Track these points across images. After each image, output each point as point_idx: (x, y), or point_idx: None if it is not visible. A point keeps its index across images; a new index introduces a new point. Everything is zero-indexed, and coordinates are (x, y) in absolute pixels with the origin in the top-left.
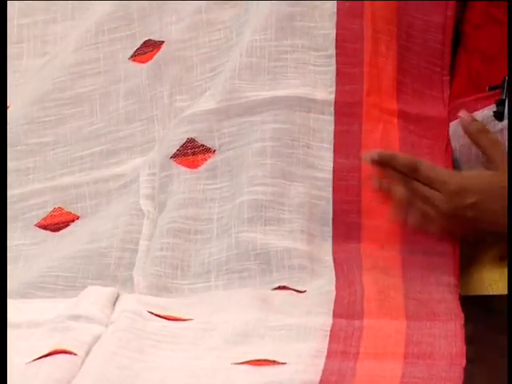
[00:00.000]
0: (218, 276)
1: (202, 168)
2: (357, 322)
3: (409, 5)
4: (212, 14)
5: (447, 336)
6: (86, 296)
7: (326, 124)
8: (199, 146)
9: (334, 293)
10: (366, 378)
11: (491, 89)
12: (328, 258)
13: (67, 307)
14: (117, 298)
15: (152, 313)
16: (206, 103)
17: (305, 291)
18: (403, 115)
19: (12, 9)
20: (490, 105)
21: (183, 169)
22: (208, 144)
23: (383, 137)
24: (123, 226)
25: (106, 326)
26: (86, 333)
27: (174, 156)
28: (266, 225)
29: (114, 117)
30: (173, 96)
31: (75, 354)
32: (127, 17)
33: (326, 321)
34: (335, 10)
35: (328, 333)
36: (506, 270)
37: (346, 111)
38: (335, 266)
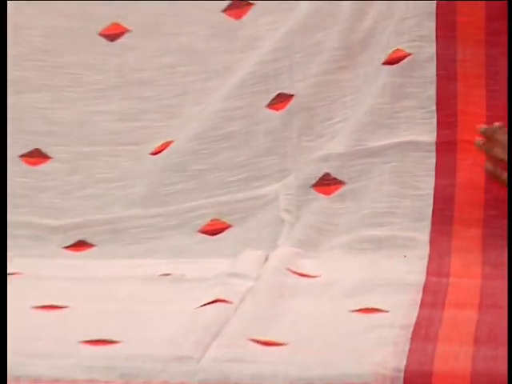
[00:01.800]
0: (344, 247)
1: (333, 195)
2: (444, 280)
3: (496, 57)
4: (333, 76)
5: None
6: (242, 258)
7: (429, 158)
8: (333, 179)
9: (427, 258)
10: (450, 323)
11: None
12: (426, 238)
13: (228, 266)
14: (265, 259)
15: (290, 270)
16: (338, 147)
17: (405, 256)
18: None
19: (178, 69)
20: None
21: (320, 195)
22: (339, 178)
23: (474, 162)
24: (268, 230)
25: (256, 280)
26: (240, 286)
27: (314, 185)
28: (382, 225)
29: (255, 151)
30: (300, 137)
31: (231, 303)
32: (264, 75)
33: (420, 278)
34: (435, 76)
35: (422, 288)
36: None
37: (445, 148)
38: (430, 242)
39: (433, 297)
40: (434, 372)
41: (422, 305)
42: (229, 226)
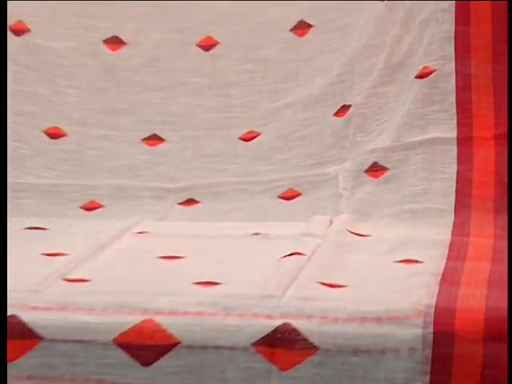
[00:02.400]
0: (390, 216)
1: (380, 178)
2: (465, 239)
3: (500, 72)
4: (380, 88)
5: None
6: (312, 222)
7: (451, 150)
8: (379, 166)
9: (452, 224)
10: (469, 271)
11: None
12: (451, 209)
13: (302, 228)
14: (330, 223)
15: (348, 231)
16: (383, 142)
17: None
18: (500, 137)
19: (257, 74)
20: None
21: (370, 178)
22: (385, 165)
23: (486, 153)
24: (331, 201)
25: (323, 238)
26: (312, 243)
27: (366, 171)
28: (418, 202)
29: (323, 146)
30: (355, 134)
31: (305, 255)
32: (333, 93)
33: (447, 238)
34: (454, 87)
35: (448, 245)
36: None
37: (463, 142)
38: (455, 212)
39: (456, 252)
40: (457, 308)
41: (449, 258)
42: (300, 194)
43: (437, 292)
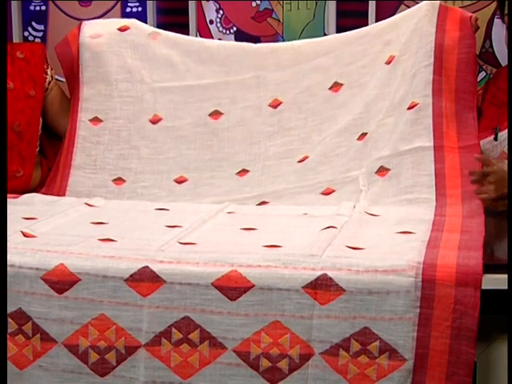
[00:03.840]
0: (392, 204)
1: (385, 177)
2: (443, 218)
3: (461, 109)
4: (385, 121)
5: (478, 224)
6: (342, 206)
7: (430, 155)
8: (384, 168)
9: (434, 208)
10: (446, 239)
11: (493, 128)
12: (433, 197)
13: (335, 210)
14: (354, 207)
15: (365, 212)
16: (386, 152)
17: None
18: (462, 147)
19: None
20: (492, 134)
21: (379, 177)
22: (388, 167)
23: (452, 157)
24: (353, 195)
25: (349, 217)
26: (341, 220)
27: (376, 172)
28: (411, 192)
29: (349, 160)
30: (370, 151)
31: (337, 228)
32: (356, 125)
33: (431, 217)
34: (431, 115)
35: (432, 222)
36: None
37: (438, 149)
38: (436, 199)
39: (437, 226)
40: (437, 264)
41: (432, 230)
42: (334, 191)
43: (424, 253)
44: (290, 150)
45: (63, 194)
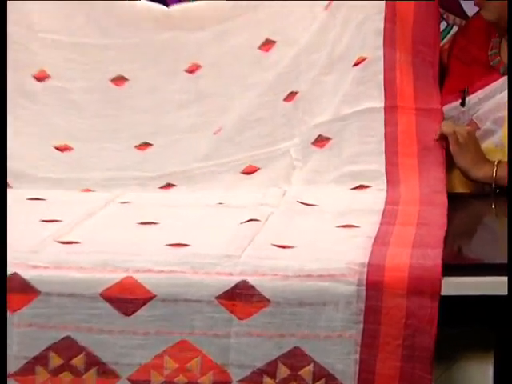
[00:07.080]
0: (333, 181)
1: (325, 148)
2: (395, 207)
3: (419, 62)
4: (323, 77)
5: (439, 214)
6: (268, 193)
7: (380, 117)
8: (323, 137)
9: (386, 191)
10: (398, 234)
11: (461, 91)
12: (383, 169)
13: (258, 198)
14: (283, 194)
15: (298, 201)
16: (325, 117)
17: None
18: (420, 110)
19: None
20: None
21: (316, 148)
22: (327, 136)
23: (408, 119)
24: (282, 170)
25: (277, 207)
26: (266, 211)
27: (312, 142)
28: (357, 162)
29: (276, 126)
30: (303, 115)
31: (260, 221)
32: (285, 82)
33: (381, 207)
34: (382, 69)
35: (381, 213)
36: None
37: (389, 110)
38: (386, 172)
39: (388, 218)
40: (385, 266)
41: (382, 223)
42: (258, 169)
43: (369, 252)
44: (206, 122)
45: None
